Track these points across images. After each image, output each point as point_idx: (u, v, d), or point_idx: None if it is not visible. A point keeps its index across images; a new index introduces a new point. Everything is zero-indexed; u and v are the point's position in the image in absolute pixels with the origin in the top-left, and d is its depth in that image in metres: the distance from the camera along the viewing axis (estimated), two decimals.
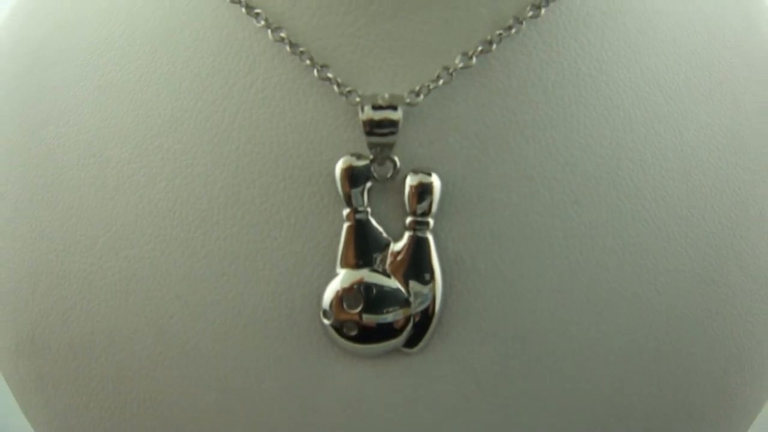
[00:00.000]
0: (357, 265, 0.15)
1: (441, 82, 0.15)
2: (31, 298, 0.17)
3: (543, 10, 0.15)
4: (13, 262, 0.18)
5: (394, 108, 0.14)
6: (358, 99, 0.14)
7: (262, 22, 0.15)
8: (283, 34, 0.15)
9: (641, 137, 0.16)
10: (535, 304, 0.16)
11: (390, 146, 0.14)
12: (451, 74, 0.15)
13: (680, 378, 0.17)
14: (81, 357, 0.17)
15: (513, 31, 0.14)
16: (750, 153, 0.18)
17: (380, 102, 0.14)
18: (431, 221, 0.15)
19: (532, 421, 0.16)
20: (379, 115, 0.14)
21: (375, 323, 0.15)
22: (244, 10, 0.15)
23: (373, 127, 0.14)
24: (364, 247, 0.15)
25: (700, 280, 0.17)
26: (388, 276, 0.15)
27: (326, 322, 0.15)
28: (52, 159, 0.18)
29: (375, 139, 0.14)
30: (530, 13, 0.15)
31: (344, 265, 0.16)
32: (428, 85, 0.15)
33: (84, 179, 0.17)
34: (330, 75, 0.15)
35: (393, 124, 0.14)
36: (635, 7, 0.17)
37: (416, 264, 0.15)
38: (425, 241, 0.15)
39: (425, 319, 0.16)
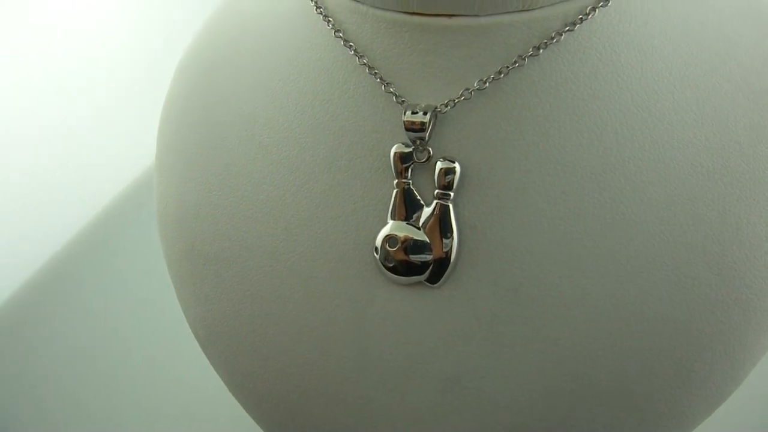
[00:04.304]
0: (400, 219, 0.26)
1: (463, 98, 0.24)
2: (194, 221, 0.30)
3: (542, 51, 0.24)
4: (185, 196, 0.31)
5: (424, 113, 0.24)
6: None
7: (353, 52, 0.26)
8: (365, 61, 0.26)
9: (626, 150, 0.25)
10: (526, 264, 0.25)
11: (422, 139, 0.25)
12: (471, 93, 0.24)
13: (644, 345, 0.25)
14: (220, 263, 0.29)
15: (517, 65, 0.24)
16: (735, 172, 0.25)
17: (417, 109, 0.24)
18: (452, 194, 0.25)
19: (516, 353, 0.26)
20: (412, 118, 0.24)
21: (407, 260, 0.26)
22: (342, 42, 0.26)
23: (409, 126, 0.24)
24: (406, 207, 0.26)
25: (667, 269, 0.25)
26: (419, 229, 0.26)
27: (376, 256, 0.26)
28: (217, 132, 0.30)
29: (410, 134, 0.25)
30: (530, 52, 0.24)
31: (392, 218, 0.26)
32: (454, 100, 0.25)
33: (237, 148, 0.30)
34: (392, 90, 0.25)
35: (422, 124, 0.24)
36: (631, 46, 0.25)
37: (441, 224, 0.25)
38: (447, 208, 0.25)
39: (444, 263, 0.26)
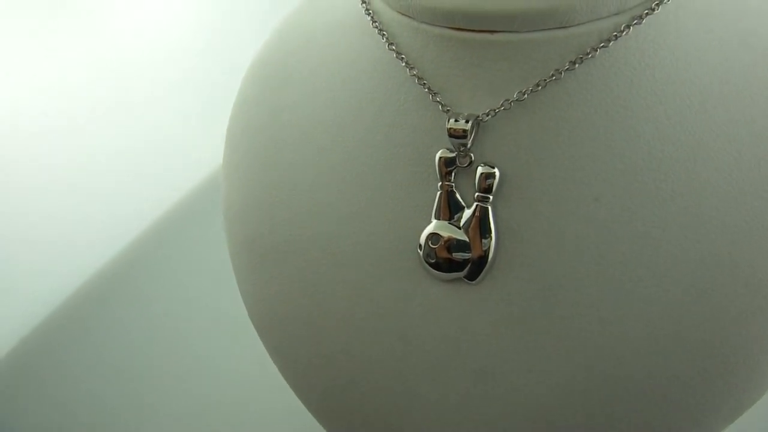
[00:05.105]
0: (444, 219, 0.28)
1: (503, 108, 0.27)
2: (254, 216, 0.34)
3: (578, 66, 0.26)
4: (247, 193, 0.34)
5: (466, 122, 0.27)
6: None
7: (404, 64, 0.29)
8: (415, 72, 0.28)
9: (657, 161, 0.27)
10: (559, 266, 0.27)
11: (465, 145, 0.27)
12: (511, 104, 0.27)
13: (669, 350, 0.27)
14: (277, 256, 0.33)
15: (554, 78, 0.26)
16: (765, 187, 0.27)
17: (460, 118, 0.27)
18: (491, 197, 0.28)
19: (546, 351, 0.28)
20: (455, 126, 0.27)
21: (447, 258, 0.28)
22: (395, 54, 0.29)
23: (452, 133, 0.27)
24: (449, 208, 0.28)
25: (694, 278, 0.27)
26: (460, 229, 0.28)
27: (420, 253, 0.29)
28: (280, 134, 0.34)
29: (454, 141, 0.27)
30: (567, 67, 0.26)
31: (436, 218, 0.29)
32: (495, 110, 0.27)
33: (296, 150, 0.33)
34: (438, 99, 0.28)
35: (465, 132, 0.27)
36: (665, 62, 0.27)
37: (481, 225, 0.28)
38: (487, 210, 0.28)
39: (483, 262, 0.28)
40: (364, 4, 0.31)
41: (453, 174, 0.28)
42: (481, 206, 0.28)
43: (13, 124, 0.64)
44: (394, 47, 0.29)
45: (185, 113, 0.80)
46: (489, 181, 0.28)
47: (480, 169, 0.28)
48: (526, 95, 0.27)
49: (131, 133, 0.75)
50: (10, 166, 0.65)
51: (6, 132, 0.64)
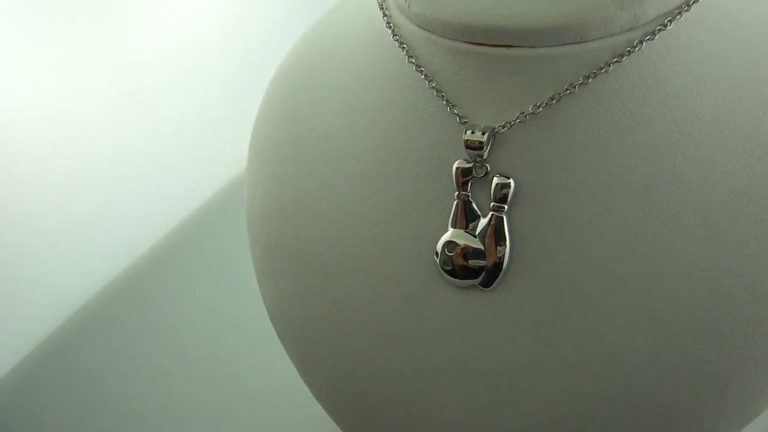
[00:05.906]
0: (459, 227, 0.30)
1: (518, 121, 0.28)
2: (276, 220, 0.35)
3: (591, 80, 0.27)
4: (270, 196, 0.36)
5: (483, 133, 0.28)
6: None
7: (424, 76, 0.30)
8: (434, 84, 0.30)
9: (667, 172, 0.28)
10: (570, 274, 0.28)
11: (481, 156, 0.28)
12: (526, 117, 0.28)
13: (677, 357, 0.28)
14: (297, 260, 0.34)
15: (568, 92, 0.27)
16: None
17: (476, 130, 0.28)
18: (506, 207, 0.29)
19: (557, 356, 0.29)
20: (472, 137, 0.28)
21: (463, 265, 0.29)
22: (414, 67, 0.30)
23: (469, 144, 0.28)
24: (465, 217, 0.30)
25: (703, 287, 0.28)
26: (475, 237, 0.29)
27: (436, 260, 0.30)
28: (302, 141, 0.35)
29: (470, 152, 0.28)
30: (581, 81, 0.27)
31: (452, 226, 0.30)
32: (511, 122, 0.28)
33: (316, 157, 0.34)
34: (456, 111, 0.29)
35: (481, 143, 0.28)
36: (677, 77, 0.28)
37: (496, 233, 0.29)
38: (502, 219, 0.29)
39: (497, 269, 0.29)
40: (385, 18, 0.33)
41: (469, 184, 0.30)
42: (496, 215, 0.29)
43: (32, 123, 0.66)
44: (413, 60, 0.31)
45: (211, 117, 0.82)
46: (504, 191, 0.29)
47: (496, 180, 0.29)
48: (540, 108, 0.28)
49: (157, 136, 0.77)
50: (26, 166, 0.67)
51: (27, 131, 0.66)
